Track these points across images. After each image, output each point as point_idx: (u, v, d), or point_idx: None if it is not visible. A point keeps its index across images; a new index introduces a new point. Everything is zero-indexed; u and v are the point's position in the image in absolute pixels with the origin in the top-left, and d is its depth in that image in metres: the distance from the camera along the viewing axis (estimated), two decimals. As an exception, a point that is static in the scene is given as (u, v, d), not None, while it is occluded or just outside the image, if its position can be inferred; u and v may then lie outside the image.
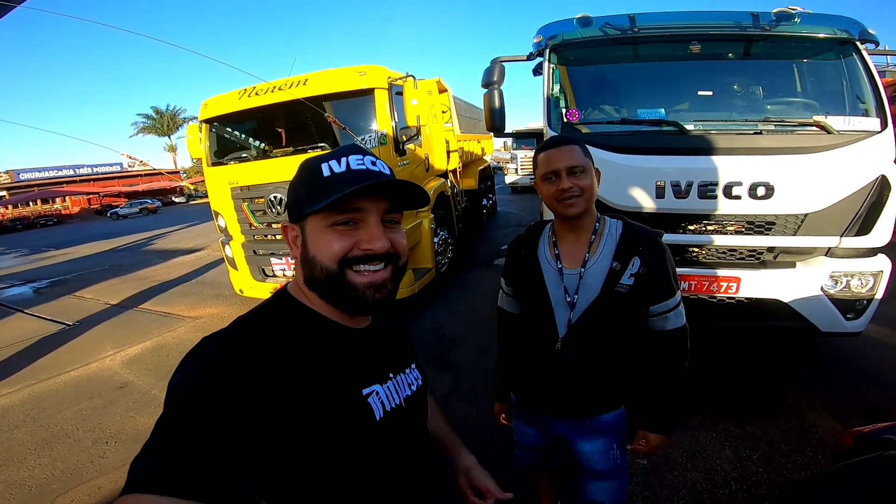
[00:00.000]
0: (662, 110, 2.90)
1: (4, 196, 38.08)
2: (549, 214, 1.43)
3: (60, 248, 15.80)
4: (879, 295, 2.68)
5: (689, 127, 2.72)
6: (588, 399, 1.34)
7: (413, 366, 0.93)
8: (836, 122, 2.61)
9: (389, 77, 4.46)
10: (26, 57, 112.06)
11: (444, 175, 6.11)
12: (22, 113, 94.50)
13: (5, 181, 39.22)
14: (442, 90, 6.54)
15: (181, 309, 6.05)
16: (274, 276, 4.81)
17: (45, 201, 38.73)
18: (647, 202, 2.78)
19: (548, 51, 3.14)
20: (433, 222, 5.01)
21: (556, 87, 3.17)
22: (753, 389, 3.02)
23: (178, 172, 44.07)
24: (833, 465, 1.19)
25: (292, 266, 4.56)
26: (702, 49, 2.92)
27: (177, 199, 43.08)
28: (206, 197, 5.18)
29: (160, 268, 9.40)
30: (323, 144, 4.48)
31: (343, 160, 0.73)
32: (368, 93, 4.34)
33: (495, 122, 3.20)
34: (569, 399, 1.34)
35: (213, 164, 4.98)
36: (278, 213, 4.48)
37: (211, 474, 0.56)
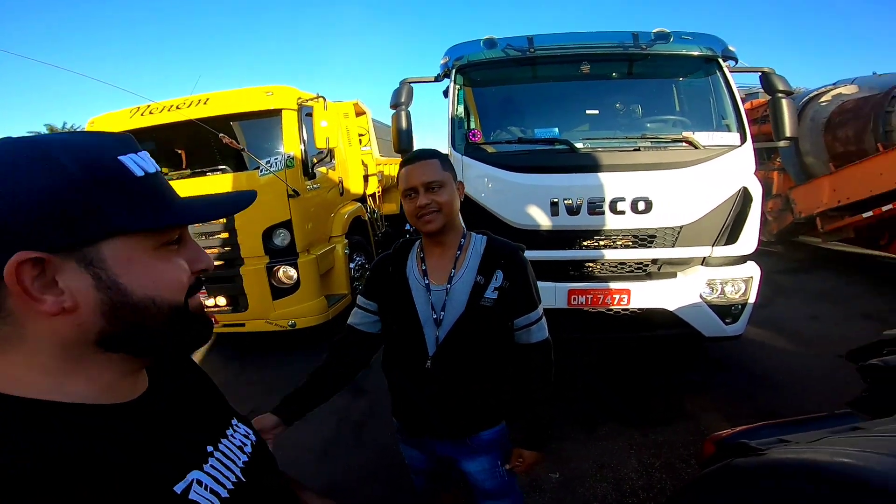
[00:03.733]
0: (556, 129, 3.02)
1: None
2: None
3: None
4: (752, 299, 2.91)
5: (579, 145, 2.86)
6: (464, 417, 1.31)
7: (234, 421, 0.71)
8: (702, 137, 2.83)
9: (299, 98, 4.36)
10: None
11: (363, 200, 6.00)
12: None
13: None
14: (360, 113, 6.47)
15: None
16: None
17: None
18: (544, 220, 2.86)
19: (454, 71, 3.20)
20: (347, 247, 4.86)
21: (461, 108, 3.23)
22: (654, 397, 3.12)
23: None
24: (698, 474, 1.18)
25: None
26: (591, 69, 3.09)
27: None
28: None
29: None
30: (224, 167, 4.26)
31: (141, 154, 0.53)
32: (276, 113, 4.21)
33: (402, 143, 3.21)
34: (445, 419, 1.30)
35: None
36: None
37: None
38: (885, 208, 4.89)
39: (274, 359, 4.34)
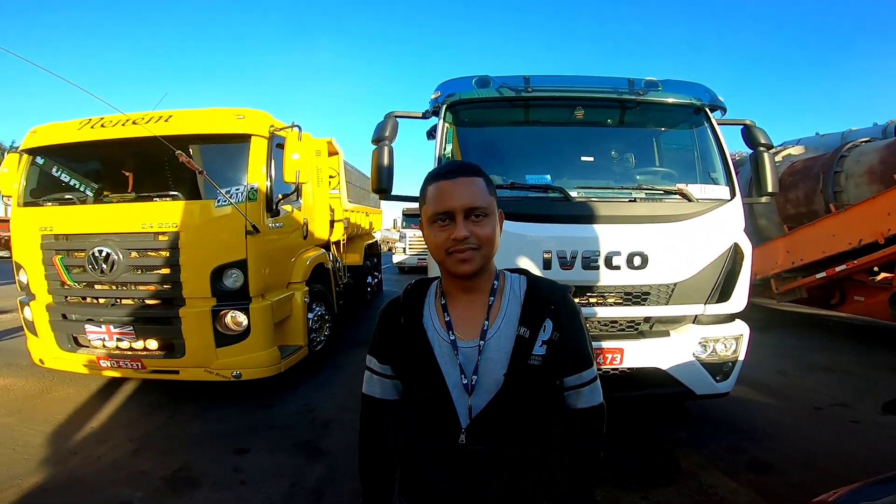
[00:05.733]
0: (548, 176, 2.88)
1: None
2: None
3: None
4: (742, 357, 2.84)
5: (574, 194, 2.72)
6: (507, 501, 1.01)
7: None
8: (694, 189, 2.76)
9: (272, 126, 4.07)
10: None
11: (326, 246, 5.65)
12: None
13: None
14: (332, 153, 6.18)
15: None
16: (89, 346, 3.90)
17: None
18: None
19: (444, 108, 3.04)
20: (307, 296, 4.46)
21: (449, 148, 3.05)
22: (646, 456, 2.94)
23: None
24: None
25: (115, 335, 3.69)
26: (585, 114, 3.02)
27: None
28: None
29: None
30: (176, 193, 3.80)
31: None
32: (244, 139, 3.88)
33: (382, 181, 2.92)
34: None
35: (26, 205, 4.01)
36: (102, 272, 3.64)
37: None
38: (838, 269, 5.13)
39: (209, 410, 3.79)
